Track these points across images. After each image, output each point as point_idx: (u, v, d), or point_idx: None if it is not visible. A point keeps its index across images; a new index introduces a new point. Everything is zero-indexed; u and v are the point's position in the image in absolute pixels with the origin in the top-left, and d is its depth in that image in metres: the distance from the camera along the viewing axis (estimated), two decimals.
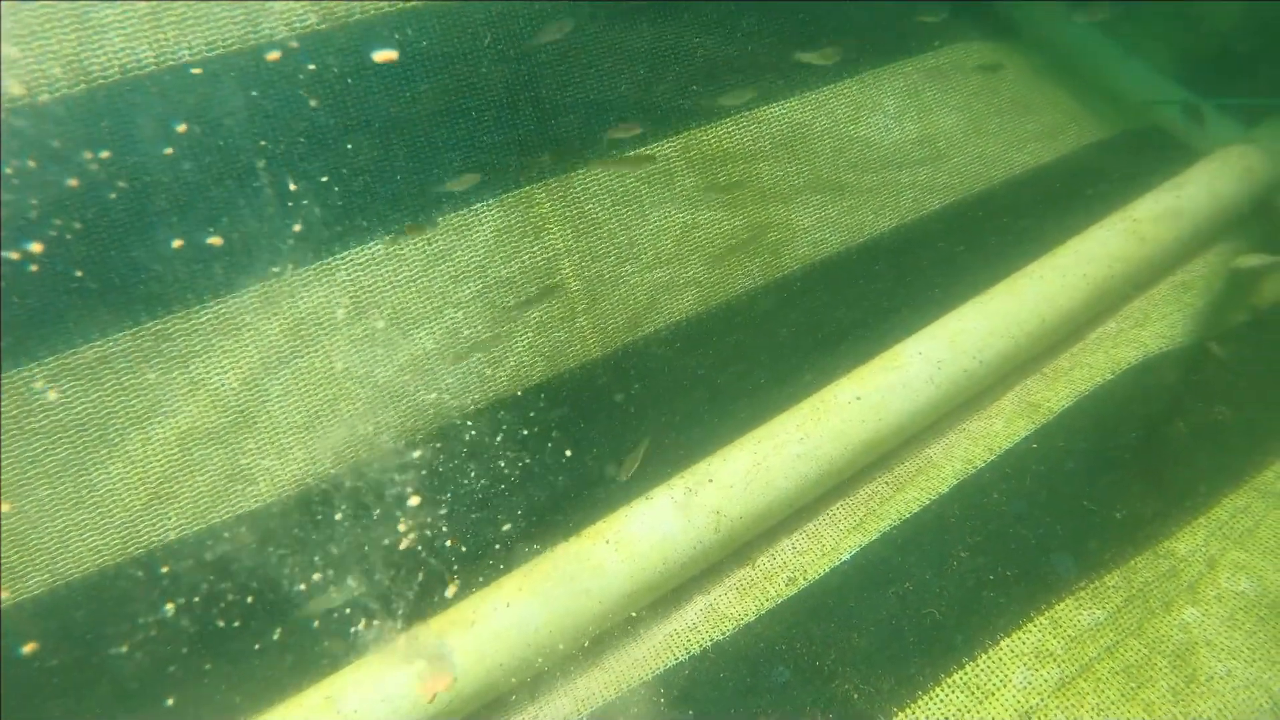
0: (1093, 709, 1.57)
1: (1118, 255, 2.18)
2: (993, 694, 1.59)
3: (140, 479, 1.63)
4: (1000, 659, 1.63)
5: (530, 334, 1.88)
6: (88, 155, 1.51)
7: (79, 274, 1.53)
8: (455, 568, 1.76)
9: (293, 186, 1.67)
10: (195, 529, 1.67)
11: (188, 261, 1.62)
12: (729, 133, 2.03)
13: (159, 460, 1.64)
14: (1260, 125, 2.52)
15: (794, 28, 2.08)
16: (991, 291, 2.09)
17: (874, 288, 2.15)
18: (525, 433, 1.87)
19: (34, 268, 1.49)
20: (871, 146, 2.18)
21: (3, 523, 1.54)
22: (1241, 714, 1.56)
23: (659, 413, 1.94)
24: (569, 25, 1.71)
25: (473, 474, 1.82)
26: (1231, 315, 2.23)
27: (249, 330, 1.67)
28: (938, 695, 1.60)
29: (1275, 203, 2.37)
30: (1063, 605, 1.69)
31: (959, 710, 1.57)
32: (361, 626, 1.71)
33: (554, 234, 1.88)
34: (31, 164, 1.48)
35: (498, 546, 1.79)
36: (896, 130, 2.21)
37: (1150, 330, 2.11)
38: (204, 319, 1.64)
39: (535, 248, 1.87)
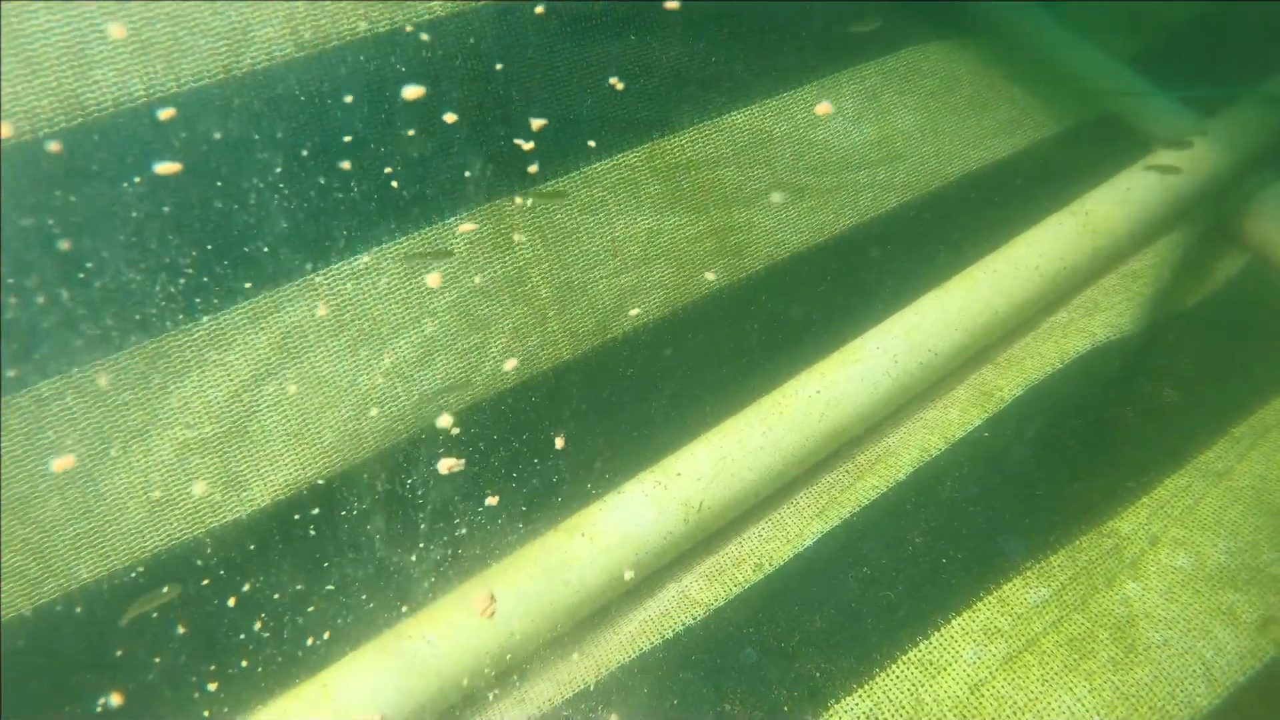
0: (1038, 680, 1.68)
1: (1069, 247, 2.27)
2: (945, 669, 1.70)
3: (142, 489, 1.73)
4: (952, 636, 1.74)
5: (504, 339, 1.98)
6: (97, 185, 1.61)
7: (81, 301, 1.64)
8: (445, 557, 1.86)
9: (276, 206, 1.76)
10: (195, 534, 1.78)
11: (182, 283, 1.72)
12: (692, 141, 2.12)
13: (159, 471, 1.74)
14: (1213, 117, 2.60)
15: (754, 36, 2.17)
16: (947, 285, 2.19)
17: (834, 285, 2.24)
18: (501, 432, 1.97)
19: (41, 298, 1.60)
20: (831, 149, 2.27)
21: (20, 533, 1.65)
22: (1176, 680, 1.67)
23: (629, 410, 2.04)
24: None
25: (452, 470, 1.92)
26: (1180, 301, 2.32)
27: (239, 345, 1.77)
28: (894, 672, 1.71)
29: (1223, 194, 2.46)
30: (1011, 585, 1.79)
31: (914, 685, 1.69)
32: (351, 619, 1.82)
33: (524, 244, 1.98)
34: (34, 199, 1.58)
35: (482, 534, 1.90)
36: (855, 133, 2.30)
37: (1099, 319, 2.21)
38: (196, 336, 1.74)
39: (506, 257, 1.96)
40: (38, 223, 1.60)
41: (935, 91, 2.44)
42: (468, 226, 1.92)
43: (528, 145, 1.93)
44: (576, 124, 1.98)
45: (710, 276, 2.15)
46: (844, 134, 2.28)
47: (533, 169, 1.94)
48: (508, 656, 1.79)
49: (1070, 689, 1.66)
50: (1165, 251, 2.38)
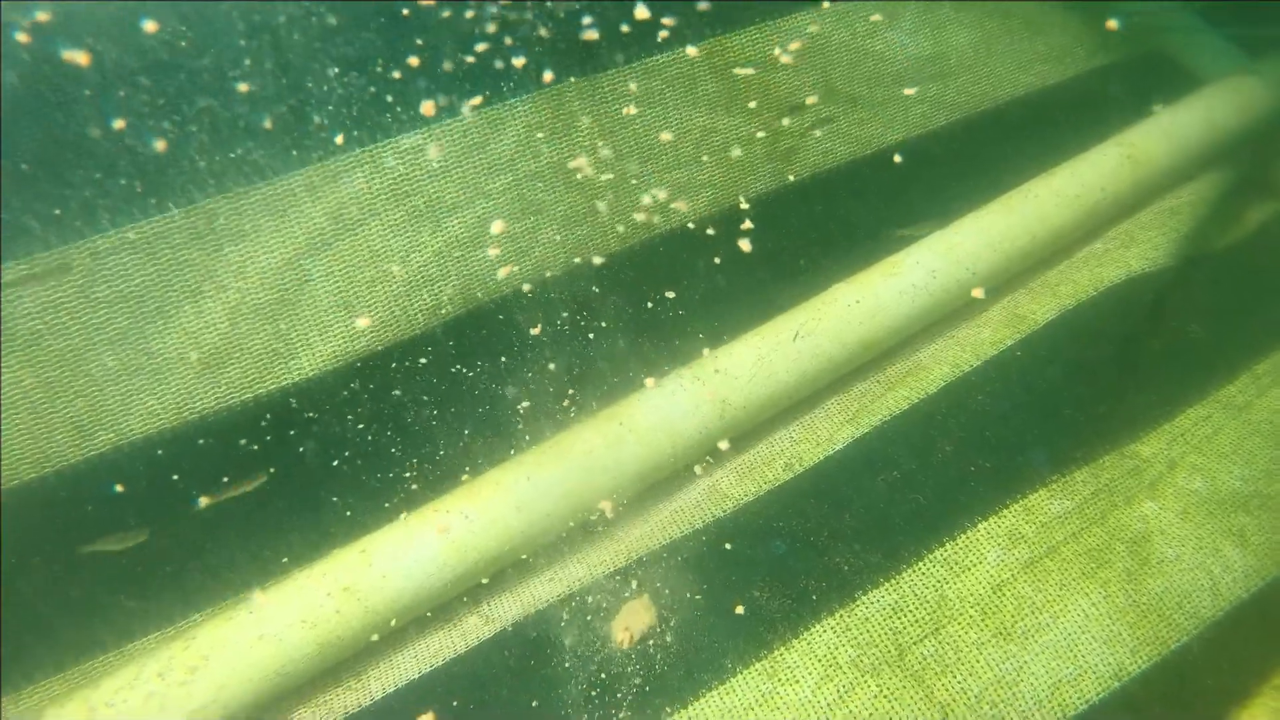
0: (1056, 584, 1.75)
1: (1110, 178, 2.29)
2: (970, 569, 1.76)
3: (194, 349, 1.74)
4: (977, 539, 1.80)
5: (555, 227, 1.98)
6: (145, 40, 1.58)
7: (139, 153, 1.62)
8: (484, 438, 1.90)
9: (335, 76, 1.74)
10: (242, 398, 1.80)
11: (238, 145, 1.70)
12: (752, 40, 2.10)
13: (210, 333, 1.75)
14: (1265, 58, 2.59)
15: None
16: (988, 207, 2.20)
17: (878, 198, 2.25)
18: (546, 318, 1.99)
19: (102, 151, 1.58)
20: (886, 61, 2.25)
21: (74, 384, 1.66)
22: (1185, 592, 1.75)
23: (671, 305, 2.06)
24: None
25: (496, 355, 1.95)
26: (1213, 241, 2.35)
27: (294, 212, 1.77)
28: (920, 568, 1.77)
29: (1264, 139, 2.47)
30: (1036, 495, 1.85)
31: (939, 582, 1.75)
32: (392, 491, 1.86)
33: (581, 132, 1.97)
34: (93, 49, 1.55)
35: (520, 419, 1.93)
36: (911, 46, 2.28)
37: (1135, 252, 2.24)
38: (252, 200, 1.73)
39: (562, 144, 1.96)
40: (99, 79, 1.58)
41: (991, 12, 2.41)
42: (527, 109, 1.90)
43: (591, 33, 1.91)
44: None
45: (758, 180, 2.16)
46: (901, 47, 2.27)
47: (590, 35, 1.91)
48: (541, 537, 1.84)
49: (1086, 594, 1.73)
50: (1202, 191, 2.40)
